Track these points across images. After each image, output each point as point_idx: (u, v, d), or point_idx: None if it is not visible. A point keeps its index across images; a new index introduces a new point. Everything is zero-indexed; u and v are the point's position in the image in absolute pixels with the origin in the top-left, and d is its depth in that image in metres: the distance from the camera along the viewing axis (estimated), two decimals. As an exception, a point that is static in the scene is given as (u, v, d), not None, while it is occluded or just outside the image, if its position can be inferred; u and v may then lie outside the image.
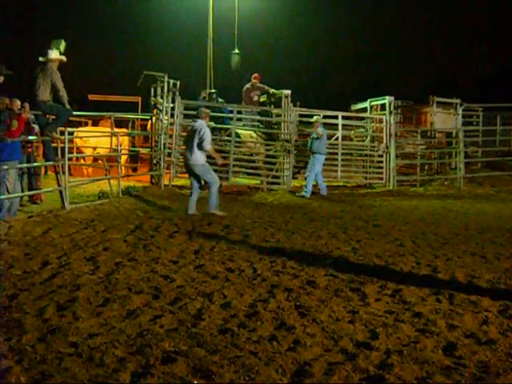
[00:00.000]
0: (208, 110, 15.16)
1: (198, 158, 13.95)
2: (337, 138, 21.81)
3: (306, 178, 19.34)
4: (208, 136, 13.99)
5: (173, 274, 8.29)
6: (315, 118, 19.64)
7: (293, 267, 8.84)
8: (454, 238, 11.75)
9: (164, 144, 19.27)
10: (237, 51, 28.25)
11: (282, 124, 20.86)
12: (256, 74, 22.43)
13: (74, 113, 16.22)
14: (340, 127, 22.01)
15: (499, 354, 5.59)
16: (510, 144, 24.77)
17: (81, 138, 21.20)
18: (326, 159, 19.70)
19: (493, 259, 9.82)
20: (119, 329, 5.96)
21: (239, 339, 5.77)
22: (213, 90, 23.24)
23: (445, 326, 6.29)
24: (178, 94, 20.00)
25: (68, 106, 13.87)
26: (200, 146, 13.86)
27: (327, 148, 19.83)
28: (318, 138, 19.04)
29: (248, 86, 22.48)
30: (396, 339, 5.87)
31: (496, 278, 8.48)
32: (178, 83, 20.01)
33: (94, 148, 21.42)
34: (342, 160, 21.85)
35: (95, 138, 21.35)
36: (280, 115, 20.92)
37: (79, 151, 21.68)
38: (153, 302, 6.92)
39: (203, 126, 14.01)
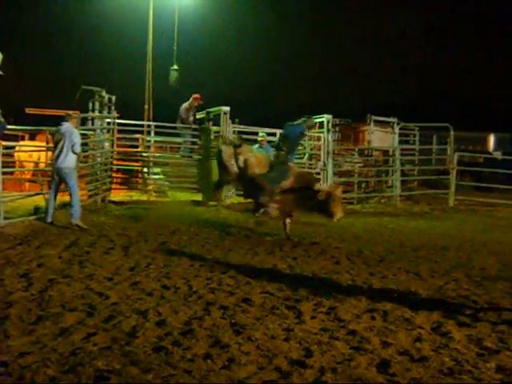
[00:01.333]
0: (76, 114, 15.16)
1: (70, 161, 13.79)
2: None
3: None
4: (79, 139, 13.95)
5: (108, 291, 8.20)
6: (261, 134, 19.47)
7: (229, 284, 8.84)
8: (389, 256, 11.90)
9: (100, 159, 19.10)
10: (176, 67, 28.14)
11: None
12: (197, 95, 22.14)
13: (10, 126, 15.95)
14: (278, 145, 22.06)
15: (432, 371, 5.67)
16: (445, 163, 25.13)
17: (26, 151, 20.85)
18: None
19: (427, 276, 9.98)
20: (51, 347, 5.87)
21: (173, 357, 5.74)
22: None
23: (379, 344, 6.35)
24: (113, 108, 19.85)
25: (2, 119, 13.66)
26: (72, 150, 13.73)
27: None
28: None
29: (186, 105, 22.17)
30: (330, 357, 5.90)
31: (430, 295, 8.62)
32: (114, 98, 19.83)
33: (37, 163, 21.09)
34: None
35: (38, 153, 21.02)
36: (219, 132, 20.83)
37: (22, 166, 21.32)
38: (87, 319, 6.83)
39: (72, 129, 13.90)
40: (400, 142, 24.88)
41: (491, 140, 38.98)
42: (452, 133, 24.26)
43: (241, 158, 13.99)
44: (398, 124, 24.66)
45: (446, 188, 23.19)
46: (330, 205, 13.42)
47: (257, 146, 18.83)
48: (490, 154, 35.34)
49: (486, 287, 9.36)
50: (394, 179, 22.94)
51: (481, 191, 25.21)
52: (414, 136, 27.34)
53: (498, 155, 33.87)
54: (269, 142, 19.77)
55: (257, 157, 14.24)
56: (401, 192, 22.82)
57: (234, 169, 14.10)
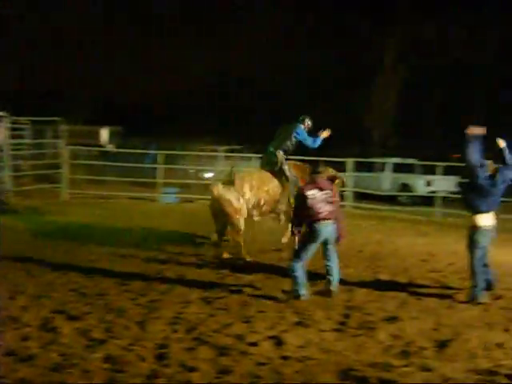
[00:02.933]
0: None
1: None
2: None
3: None
4: None
5: None
6: None
7: None
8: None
9: None
10: None
11: None
12: None
13: None
14: None
15: (39, 369, 5.67)
16: (58, 157, 25.04)
17: None
18: None
19: (39, 273, 9.89)
20: None
21: None
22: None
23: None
24: None
25: None
26: None
27: None
28: None
29: None
30: None
31: (37, 292, 8.54)
32: None
33: None
34: None
35: None
36: None
37: None
38: None
39: None
40: (13, 137, 24.30)
41: (104, 133, 39.71)
42: (64, 127, 24.29)
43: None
44: (6, 118, 24.07)
45: (59, 182, 23.19)
46: None
47: None
48: (102, 147, 35.94)
49: (96, 279, 9.52)
50: (5, 175, 22.32)
51: (95, 184, 25.53)
52: (27, 130, 26.98)
53: (112, 148, 34.61)
54: None
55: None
56: (13, 187, 22.27)
57: None
